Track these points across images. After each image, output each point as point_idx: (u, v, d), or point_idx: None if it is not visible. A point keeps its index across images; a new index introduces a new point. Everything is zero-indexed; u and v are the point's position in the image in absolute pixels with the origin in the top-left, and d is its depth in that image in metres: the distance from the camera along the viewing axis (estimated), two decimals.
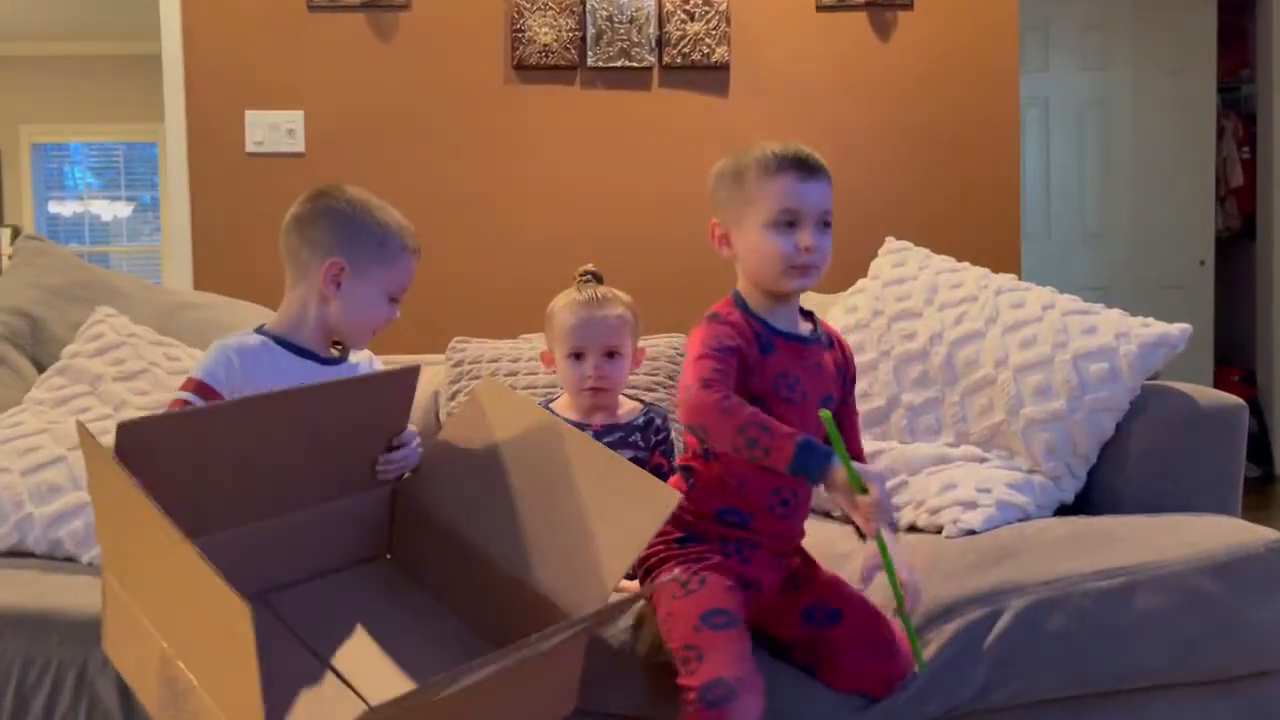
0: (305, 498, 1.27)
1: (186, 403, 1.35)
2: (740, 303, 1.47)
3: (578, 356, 1.70)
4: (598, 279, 1.78)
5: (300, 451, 1.22)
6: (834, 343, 1.55)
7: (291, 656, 1.20)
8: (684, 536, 1.43)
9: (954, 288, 2.03)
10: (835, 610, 1.43)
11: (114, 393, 1.77)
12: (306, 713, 1.12)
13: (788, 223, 1.42)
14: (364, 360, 1.55)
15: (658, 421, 1.76)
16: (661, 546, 1.43)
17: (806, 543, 1.55)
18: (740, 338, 1.40)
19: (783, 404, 1.40)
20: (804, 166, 1.45)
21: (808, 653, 1.43)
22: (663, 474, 1.63)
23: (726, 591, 1.36)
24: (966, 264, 2.13)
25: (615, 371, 1.71)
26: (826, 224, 1.44)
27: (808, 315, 1.53)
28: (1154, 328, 1.83)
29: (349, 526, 1.34)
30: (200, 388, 1.36)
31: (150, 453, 1.08)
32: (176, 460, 1.12)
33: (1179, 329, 1.83)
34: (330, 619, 1.25)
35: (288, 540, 1.27)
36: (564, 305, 1.73)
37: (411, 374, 1.31)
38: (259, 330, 1.46)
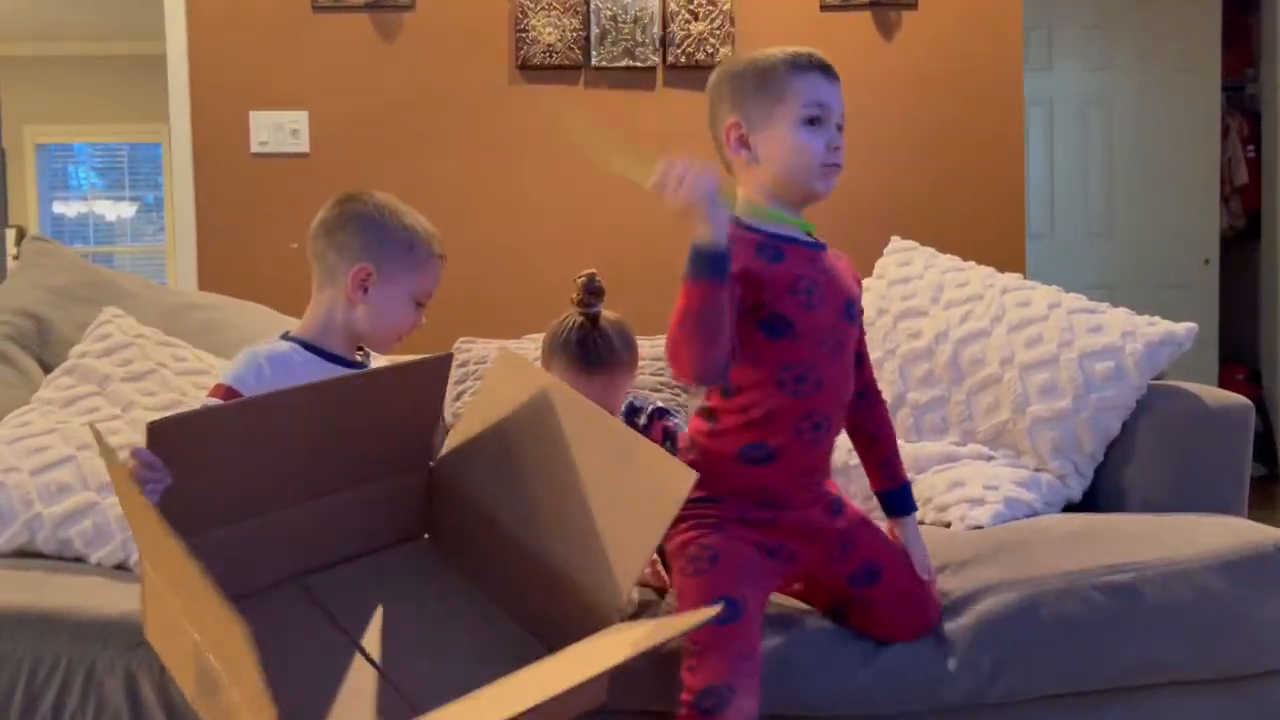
0: (341, 482, 1.28)
1: None
2: (734, 220, 1.38)
3: None
4: (598, 294, 1.65)
5: (335, 438, 1.23)
6: (840, 257, 1.53)
7: (327, 643, 1.21)
8: (703, 497, 1.37)
9: (959, 286, 2.03)
10: (876, 570, 1.46)
11: (122, 393, 1.77)
12: (340, 708, 1.13)
13: (817, 120, 1.40)
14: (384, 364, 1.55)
15: (636, 404, 1.75)
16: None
17: None
18: (738, 258, 1.32)
19: (802, 310, 1.37)
20: (827, 68, 1.46)
21: (842, 607, 1.47)
22: (670, 437, 1.67)
23: (739, 570, 1.34)
24: (972, 263, 2.13)
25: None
26: (841, 128, 1.44)
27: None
28: (1160, 326, 1.84)
29: (388, 508, 1.34)
30: (229, 394, 1.37)
31: (185, 446, 1.09)
32: (211, 453, 1.13)
33: (1185, 328, 1.83)
34: (366, 603, 1.26)
35: (327, 523, 1.28)
36: (562, 359, 1.62)
37: (445, 362, 1.32)
38: (285, 337, 1.47)
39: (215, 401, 1.36)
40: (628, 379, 1.68)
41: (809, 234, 1.47)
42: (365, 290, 1.43)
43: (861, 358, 1.53)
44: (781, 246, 1.40)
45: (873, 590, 1.45)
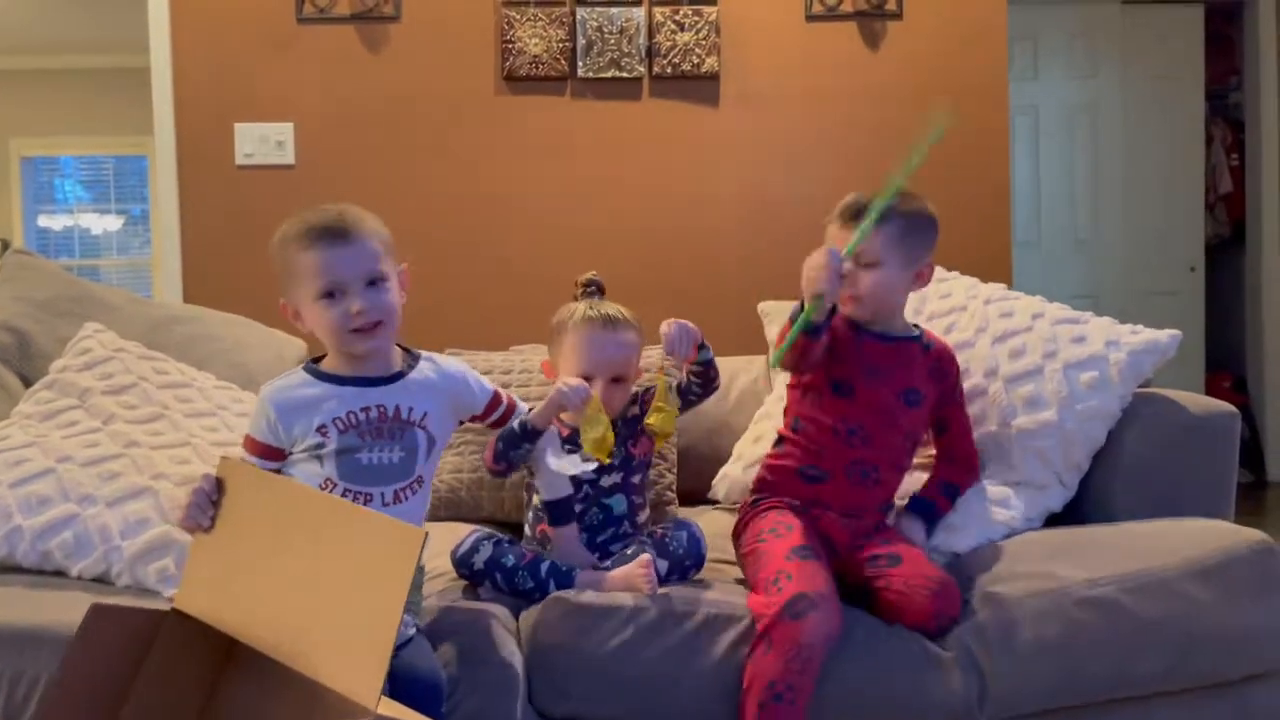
0: None
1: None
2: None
3: (585, 379, 1.66)
4: (599, 289, 1.77)
5: None
6: (931, 348, 1.78)
7: None
8: (759, 497, 1.72)
9: (943, 298, 2.04)
10: (896, 555, 1.59)
11: (103, 406, 1.76)
12: None
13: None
14: (430, 370, 1.50)
15: (636, 407, 1.76)
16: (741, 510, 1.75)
17: None
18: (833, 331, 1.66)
19: (864, 383, 1.70)
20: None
21: (866, 594, 1.57)
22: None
23: (808, 536, 1.59)
24: (955, 273, 2.13)
25: (619, 396, 1.71)
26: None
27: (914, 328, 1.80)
28: (1143, 335, 1.83)
29: None
30: (255, 447, 1.43)
31: None
32: None
33: (1168, 335, 1.83)
34: None
35: None
36: (576, 324, 1.69)
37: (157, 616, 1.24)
38: (308, 364, 1.47)
39: (253, 459, 1.41)
40: (638, 341, 1.74)
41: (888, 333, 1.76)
42: (299, 318, 1.43)
43: (955, 434, 1.80)
44: (864, 337, 1.73)
45: (893, 571, 1.56)
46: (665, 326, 1.59)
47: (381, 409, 1.42)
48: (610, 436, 1.56)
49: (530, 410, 1.60)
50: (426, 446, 1.46)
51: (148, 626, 1.22)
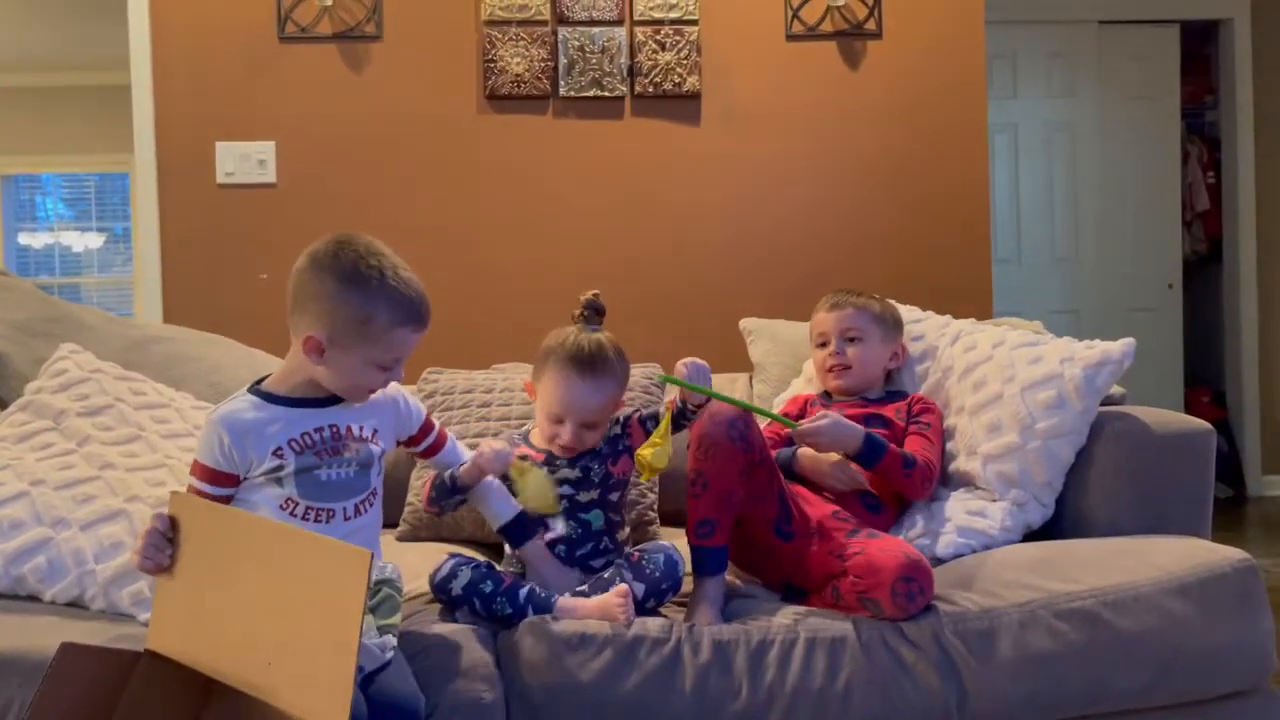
0: None
1: (201, 492, 1.39)
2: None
3: (558, 419, 1.68)
4: (599, 314, 1.72)
5: None
6: (907, 397, 1.99)
7: None
8: None
9: (915, 340, 2.08)
10: (875, 534, 1.67)
11: (78, 428, 1.74)
12: None
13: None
14: (389, 396, 1.53)
15: (619, 428, 1.76)
16: None
17: None
18: None
19: None
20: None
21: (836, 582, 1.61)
22: (645, 420, 1.73)
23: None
24: (930, 313, 2.16)
25: (589, 438, 1.70)
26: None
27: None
28: (1097, 349, 1.84)
29: None
30: (206, 473, 1.40)
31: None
32: None
33: (1122, 346, 1.83)
34: None
35: None
36: (558, 362, 1.66)
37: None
38: (253, 387, 1.45)
39: (200, 484, 1.39)
40: (617, 394, 1.71)
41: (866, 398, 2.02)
42: (321, 354, 1.40)
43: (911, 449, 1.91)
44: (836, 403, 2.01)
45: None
46: (681, 366, 1.61)
47: (334, 428, 1.44)
48: (546, 487, 1.59)
49: (463, 462, 1.63)
50: (379, 460, 1.49)
51: (121, 665, 1.21)
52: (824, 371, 2.01)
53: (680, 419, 1.66)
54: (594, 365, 1.65)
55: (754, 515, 1.68)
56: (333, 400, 1.46)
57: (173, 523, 1.26)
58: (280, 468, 1.40)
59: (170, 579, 1.26)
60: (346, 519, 1.44)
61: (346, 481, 1.44)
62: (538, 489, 1.61)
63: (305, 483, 1.41)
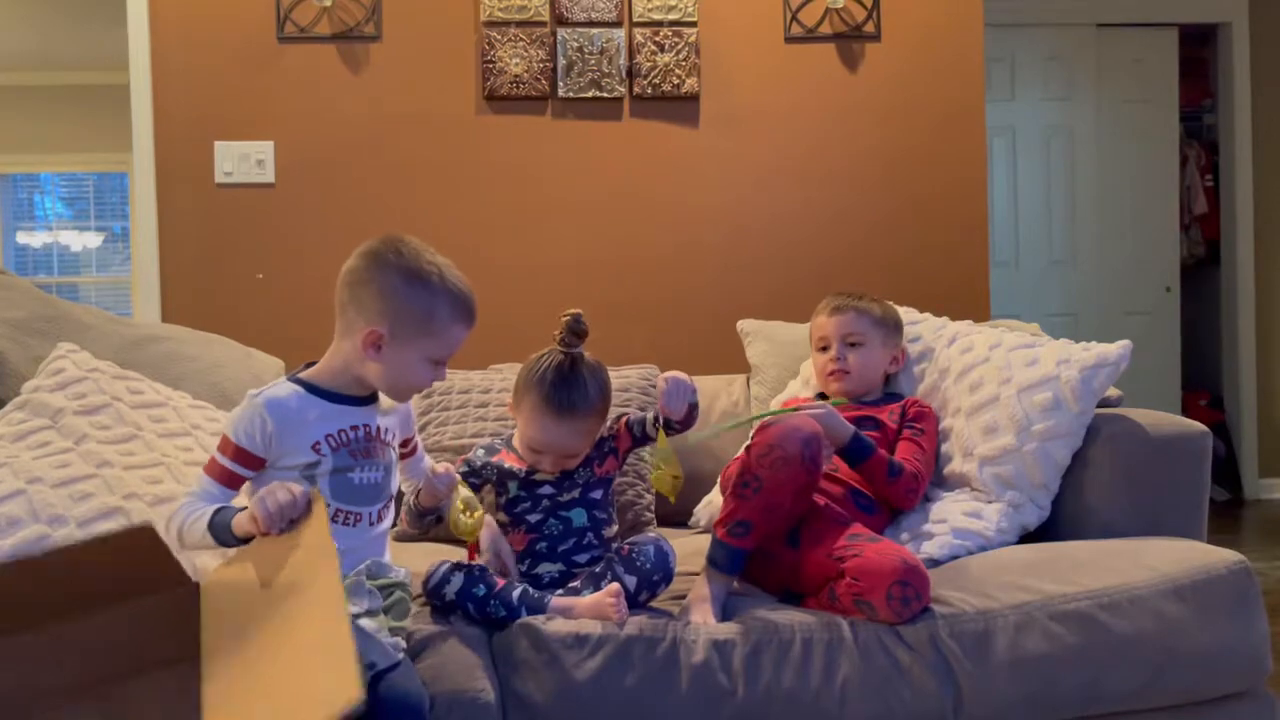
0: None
1: (227, 470, 1.38)
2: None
3: (537, 451, 1.69)
4: (579, 337, 1.67)
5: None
6: (902, 400, 1.99)
7: None
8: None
9: (912, 342, 2.07)
10: (875, 538, 1.65)
11: (75, 426, 1.74)
12: None
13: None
14: (400, 406, 1.55)
15: (606, 430, 1.76)
16: None
17: None
18: None
19: None
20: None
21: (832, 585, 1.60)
22: (632, 425, 1.73)
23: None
24: (928, 315, 2.16)
25: (572, 463, 1.71)
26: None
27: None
28: (1093, 350, 1.84)
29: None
30: (237, 453, 1.38)
31: None
32: None
33: (1118, 348, 1.83)
34: None
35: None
36: (536, 400, 1.64)
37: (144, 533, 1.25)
38: (294, 377, 1.46)
39: (229, 462, 1.38)
40: (598, 425, 1.70)
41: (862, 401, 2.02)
42: (379, 349, 1.41)
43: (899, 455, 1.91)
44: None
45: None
46: (662, 381, 1.62)
47: (367, 428, 1.45)
48: (472, 521, 1.59)
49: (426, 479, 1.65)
50: (396, 465, 1.51)
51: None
52: (824, 375, 2.01)
53: (667, 429, 1.67)
54: (572, 408, 1.63)
55: (780, 528, 1.68)
56: (367, 401, 1.47)
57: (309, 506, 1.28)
58: (317, 464, 1.40)
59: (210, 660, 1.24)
60: (371, 524, 1.45)
61: (373, 486, 1.45)
62: (465, 519, 1.60)
63: (339, 484, 1.41)
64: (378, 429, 1.47)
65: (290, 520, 1.28)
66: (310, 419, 1.41)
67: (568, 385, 1.63)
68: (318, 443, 1.41)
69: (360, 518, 1.43)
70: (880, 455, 1.79)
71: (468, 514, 1.59)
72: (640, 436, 1.72)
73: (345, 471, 1.42)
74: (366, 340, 1.41)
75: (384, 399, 1.51)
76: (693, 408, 1.66)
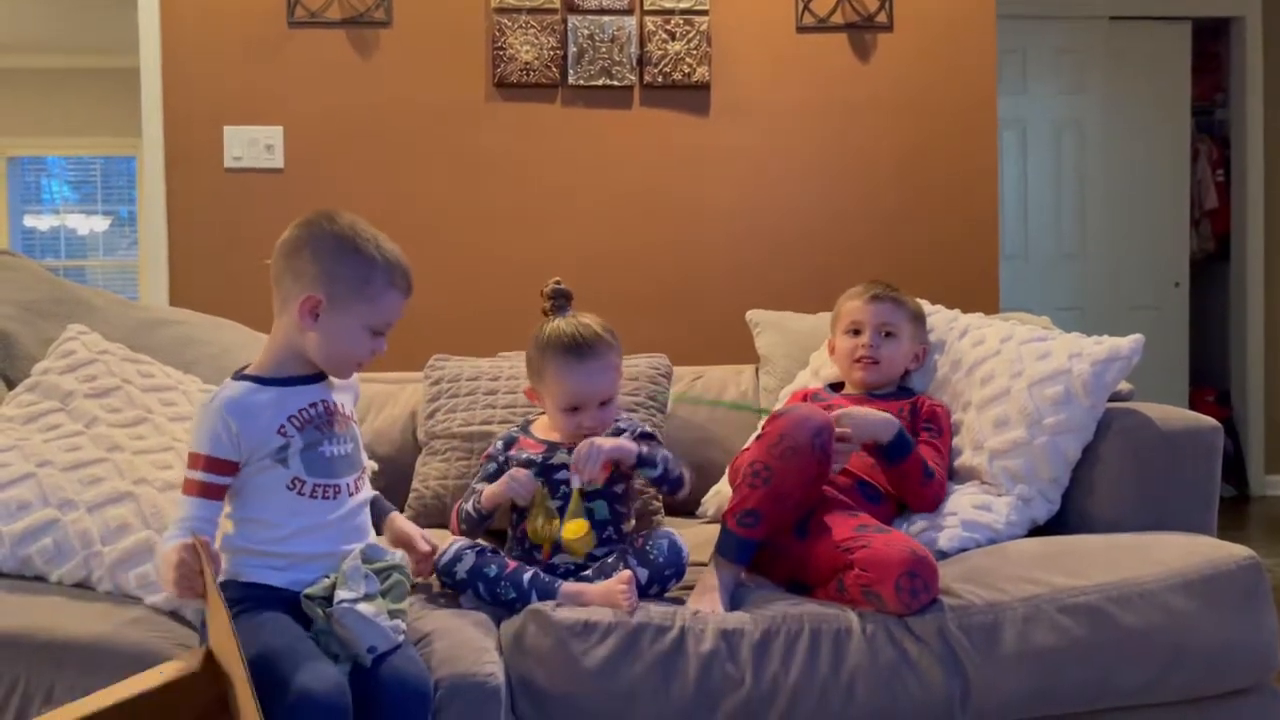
0: None
1: (204, 483, 1.38)
2: None
3: (573, 409, 1.69)
4: (567, 298, 1.75)
5: None
6: (916, 397, 1.97)
7: None
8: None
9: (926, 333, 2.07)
10: (883, 529, 1.66)
11: (85, 409, 1.74)
12: None
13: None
14: (348, 382, 1.55)
15: (622, 426, 1.77)
16: None
17: None
18: None
19: None
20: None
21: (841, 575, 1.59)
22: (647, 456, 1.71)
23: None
24: (939, 307, 2.15)
25: (608, 415, 1.72)
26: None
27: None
28: (1105, 344, 1.83)
29: None
30: (210, 463, 1.38)
31: None
32: None
33: (1130, 342, 1.82)
34: None
35: None
36: (554, 358, 1.68)
37: None
38: (239, 375, 1.46)
39: (202, 475, 1.38)
40: (618, 360, 1.74)
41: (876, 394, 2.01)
42: (316, 318, 1.42)
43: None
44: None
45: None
46: (580, 447, 1.62)
47: (325, 404, 1.47)
48: (582, 530, 1.62)
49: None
50: (360, 438, 1.53)
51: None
52: (851, 361, 1.98)
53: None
54: (590, 346, 1.68)
55: (789, 519, 1.68)
56: (317, 379, 1.48)
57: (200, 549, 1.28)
58: (286, 446, 1.41)
59: None
60: (350, 494, 1.46)
61: (344, 458, 1.47)
62: (555, 525, 1.63)
63: (311, 460, 1.42)
64: (337, 404, 1.48)
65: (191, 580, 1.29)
66: (268, 408, 1.42)
67: (577, 331, 1.69)
68: (282, 426, 1.42)
69: (338, 489, 1.45)
70: (918, 455, 1.77)
71: (548, 523, 1.64)
72: (638, 463, 1.72)
73: (315, 446, 1.43)
74: (304, 307, 1.41)
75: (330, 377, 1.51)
76: (645, 465, 1.68)
